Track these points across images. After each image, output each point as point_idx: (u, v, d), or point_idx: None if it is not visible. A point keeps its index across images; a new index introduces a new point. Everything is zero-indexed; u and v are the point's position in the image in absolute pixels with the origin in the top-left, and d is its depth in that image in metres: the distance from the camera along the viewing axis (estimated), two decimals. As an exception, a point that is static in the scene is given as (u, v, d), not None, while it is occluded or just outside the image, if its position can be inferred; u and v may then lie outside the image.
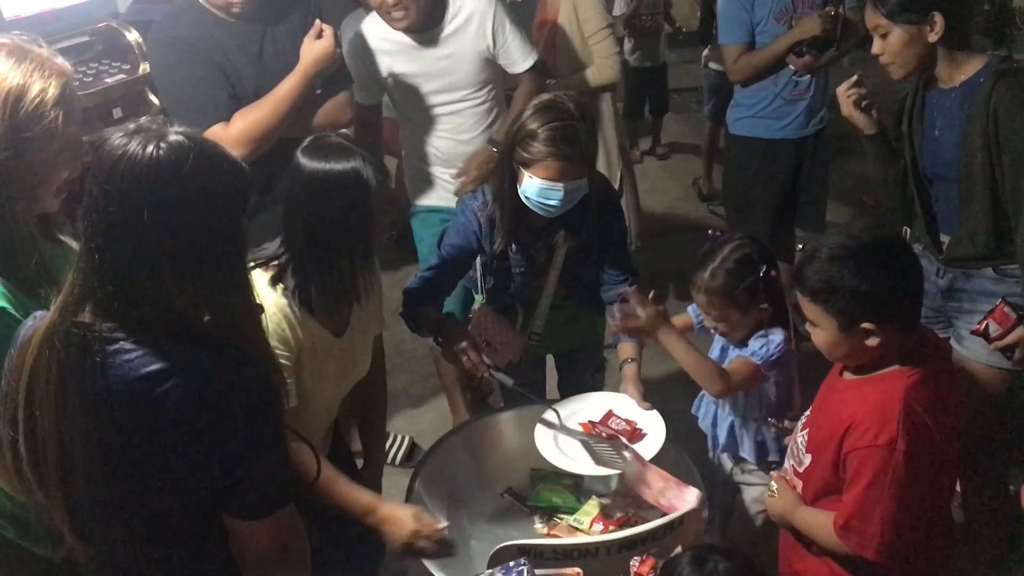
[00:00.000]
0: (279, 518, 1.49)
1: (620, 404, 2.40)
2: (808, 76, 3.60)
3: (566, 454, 2.25)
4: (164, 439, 1.38)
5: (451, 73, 3.02)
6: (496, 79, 3.12)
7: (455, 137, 3.10)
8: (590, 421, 2.34)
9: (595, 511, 2.26)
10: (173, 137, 1.39)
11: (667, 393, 2.61)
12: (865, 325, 1.79)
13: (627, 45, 5.82)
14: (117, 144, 1.37)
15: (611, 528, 2.20)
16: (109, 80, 2.87)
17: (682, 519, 1.98)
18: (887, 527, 1.79)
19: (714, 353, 2.46)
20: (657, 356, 2.58)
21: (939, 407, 1.82)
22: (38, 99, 1.58)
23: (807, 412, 2.08)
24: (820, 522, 1.92)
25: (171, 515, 1.46)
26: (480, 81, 3.06)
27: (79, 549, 1.51)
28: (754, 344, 2.31)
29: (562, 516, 2.28)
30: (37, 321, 1.48)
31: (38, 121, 1.58)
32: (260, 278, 1.97)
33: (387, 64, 3.03)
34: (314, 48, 2.57)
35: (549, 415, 2.35)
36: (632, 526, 2.19)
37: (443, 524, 2.00)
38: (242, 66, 2.61)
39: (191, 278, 1.40)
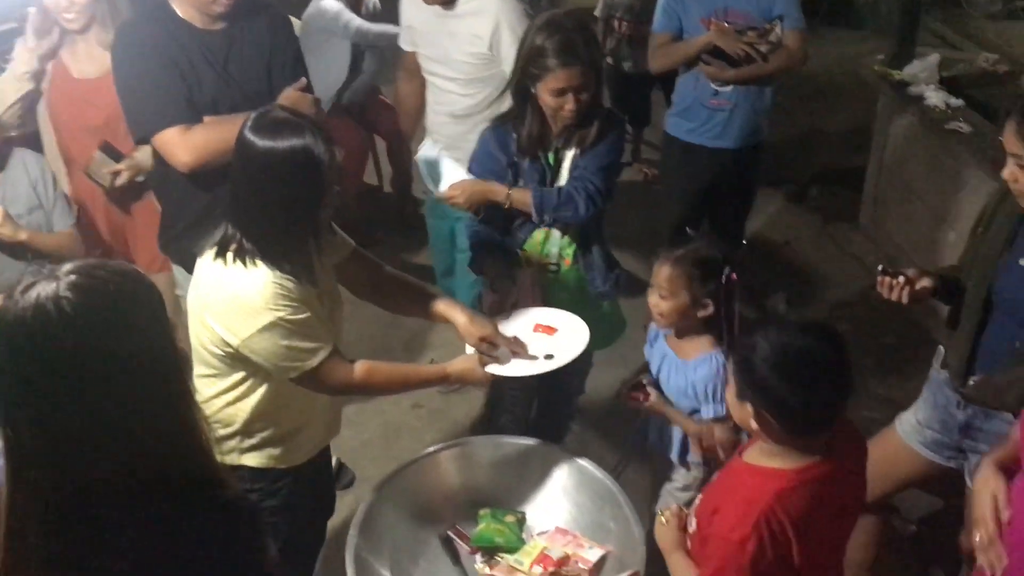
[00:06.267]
0: None
1: (543, 316, 2.52)
2: (730, 87, 3.63)
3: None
4: None
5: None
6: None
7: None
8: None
9: (536, 552, 2.29)
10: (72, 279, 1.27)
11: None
12: (748, 406, 1.84)
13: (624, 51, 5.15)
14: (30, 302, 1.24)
15: (550, 569, 2.24)
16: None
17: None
18: None
19: (652, 358, 2.54)
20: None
21: (811, 518, 1.82)
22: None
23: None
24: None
25: None
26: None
27: None
28: (701, 370, 2.38)
29: (503, 556, 2.31)
30: None
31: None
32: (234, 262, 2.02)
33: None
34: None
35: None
36: (572, 566, 2.26)
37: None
38: (204, 73, 2.60)
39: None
